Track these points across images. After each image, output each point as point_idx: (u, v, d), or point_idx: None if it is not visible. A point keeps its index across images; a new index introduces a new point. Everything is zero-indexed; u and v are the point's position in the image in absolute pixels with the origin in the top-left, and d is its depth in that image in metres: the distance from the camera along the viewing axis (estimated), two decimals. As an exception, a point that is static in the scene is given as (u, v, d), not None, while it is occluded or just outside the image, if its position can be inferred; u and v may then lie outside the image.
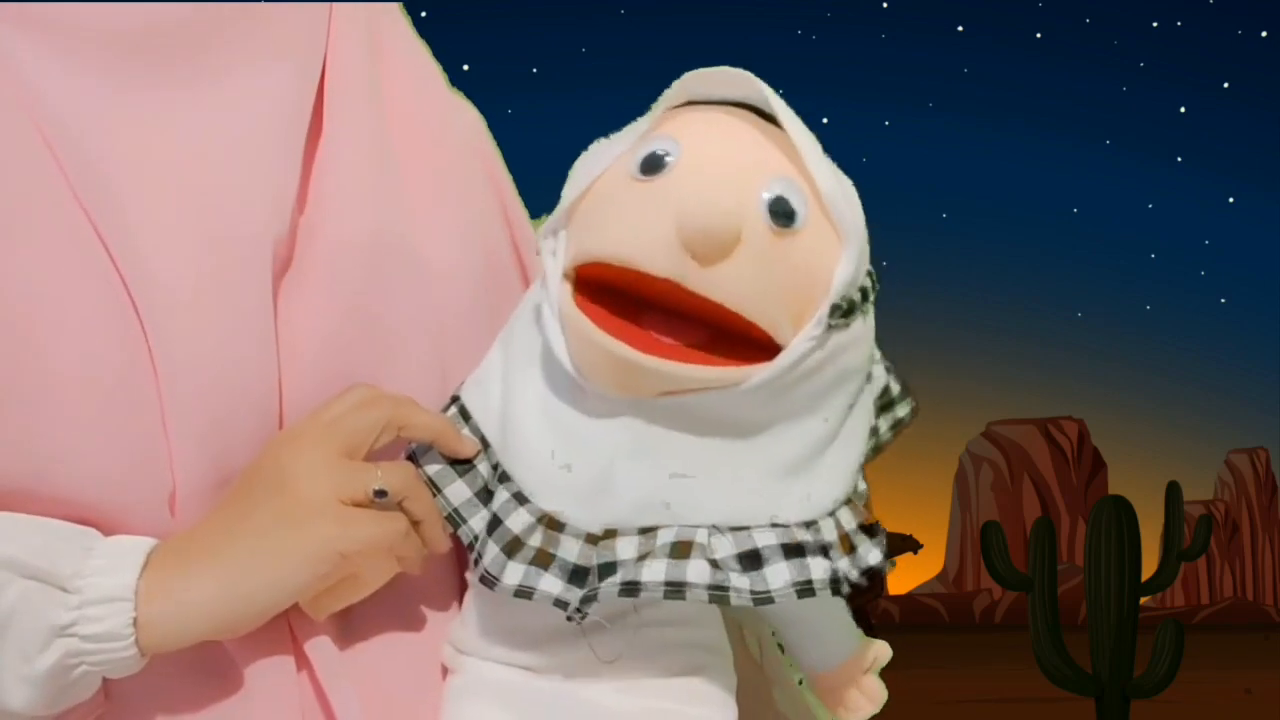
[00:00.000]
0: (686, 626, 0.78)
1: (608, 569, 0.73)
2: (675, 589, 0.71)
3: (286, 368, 0.78)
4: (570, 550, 0.74)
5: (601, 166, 0.74)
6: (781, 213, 0.71)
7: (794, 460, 0.75)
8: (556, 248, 0.75)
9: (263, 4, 0.83)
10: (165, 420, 0.75)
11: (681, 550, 0.72)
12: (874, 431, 0.81)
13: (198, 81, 0.80)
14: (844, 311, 0.73)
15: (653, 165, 0.72)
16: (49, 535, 0.72)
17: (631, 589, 0.71)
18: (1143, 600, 6.26)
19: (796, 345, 0.71)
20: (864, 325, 0.75)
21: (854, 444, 0.78)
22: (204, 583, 0.73)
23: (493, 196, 0.93)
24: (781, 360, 0.71)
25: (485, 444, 0.78)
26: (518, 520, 0.75)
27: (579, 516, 0.74)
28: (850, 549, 0.75)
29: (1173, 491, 6.39)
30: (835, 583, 0.73)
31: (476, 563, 0.76)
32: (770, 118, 0.74)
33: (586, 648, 0.76)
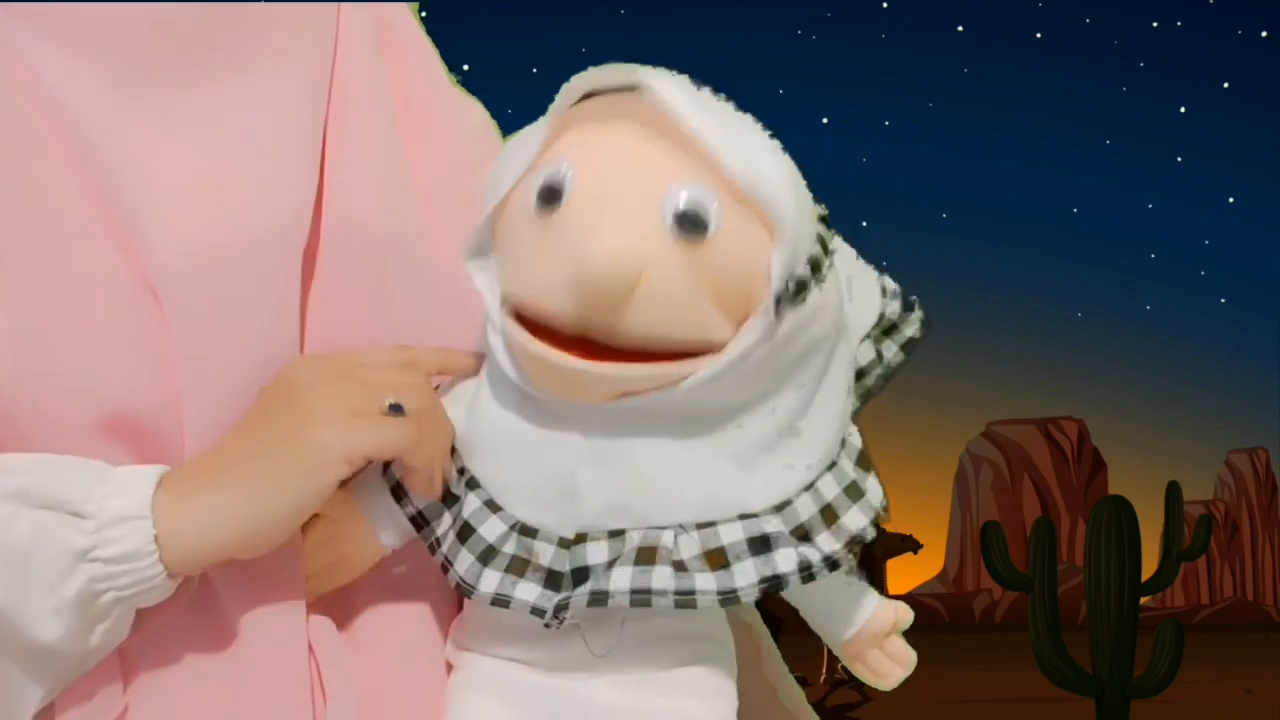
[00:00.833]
0: (685, 617, 0.77)
1: (580, 574, 0.72)
2: (641, 597, 0.71)
3: None
4: (545, 555, 0.73)
5: (509, 181, 0.73)
6: (690, 223, 0.68)
7: (765, 438, 0.73)
8: (488, 266, 0.75)
9: (272, 6, 0.83)
10: (183, 425, 0.75)
11: (646, 556, 0.71)
12: (880, 358, 0.80)
13: (211, 82, 0.80)
14: (794, 292, 0.70)
15: (549, 196, 0.70)
16: (57, 465, 0.72)
17: (600, 598, 0.71)
18: (1143, 600, 6.26)
19: (744, 335, 0.70)
20: (823, 293, 0.72)
21: (833, 402, 0.76)
22: (218, 495, 0.72)
23: (498, 196, 0.93)
24: (728, 353, 0.70)
25: (452, 450, 0.77)
26: (491, 528, 0.75)
27: (549, 523, 0.74)
28: (833, 519, 0.73)
29: (1173, 491, 6.39)
30: (806, 570, 0.72)
31: (446, 569, 0.76)
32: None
33: (581, 643, 0.76)
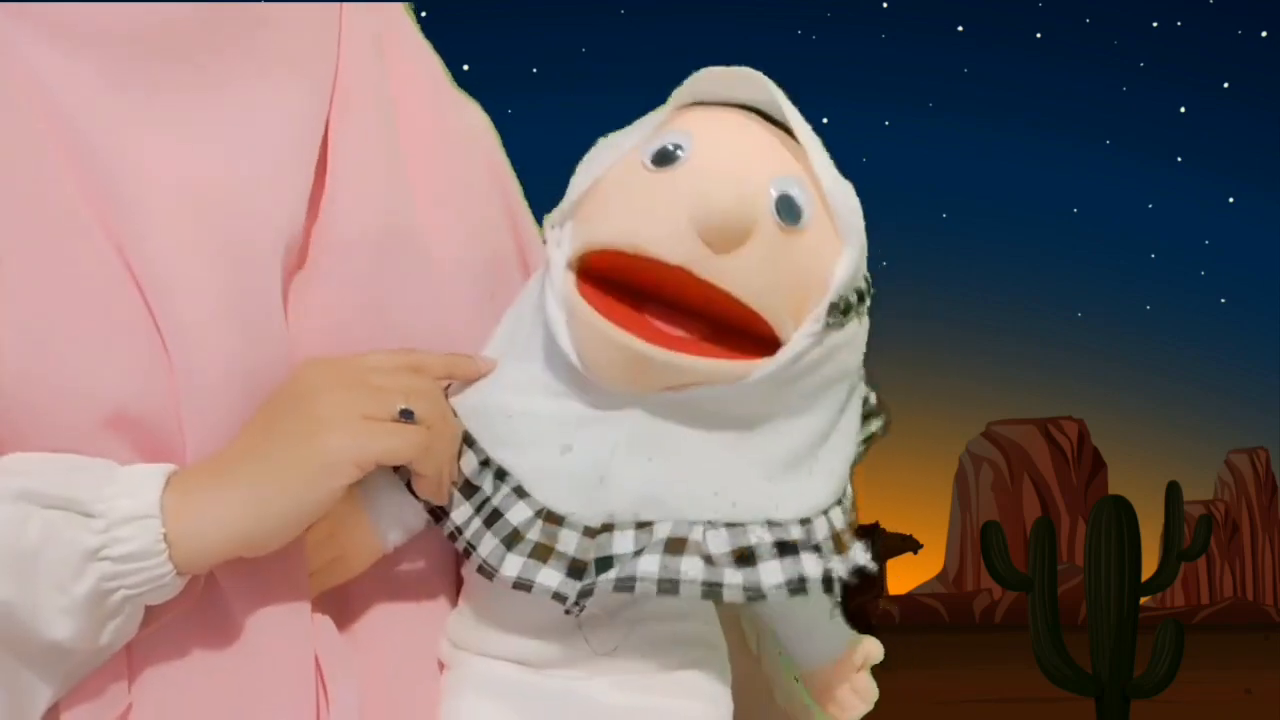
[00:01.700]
0: (681, 621, 0.79)
1: (604, 563, 0.73)
2: (669, 585, 0.72)
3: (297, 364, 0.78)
4: (569, 544, 0.74)
5: (610, 160, 0.75)
6: (789, 210, 0.72)
7: (790, 456, 0.75)
8: (561, 238, 0.76)
9: (274, 8, 0.83)
10: (183, 427, 0.75)
11: (676, 546, 0.73)
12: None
13: (212, 87, 0.80)
14: (841, 310, 0.74)
15: (665, 158, 0.73)
16: (66, 465, 0.73)
17: (627, 584, 0.72)
18: (1143, 600, 6.27)
19: (798, 339, 0.73)
20: (858, 327, 0.76)
21: (845, 444, 0.79)
22: (226, 495, 0.73)
23: (498, 196, 0.93)
24: (785, 354, 0.72)
25: (470, 442, 0.78)
26: (517, 513, 0.76)
27: (577, 509, 0.75)
28: (843, 547, 0.76)
29: (1173, 491, 6.40)
30: (828, 581, 0.73)
31: (469, 553, 0.76)
32: (777, 121, 0.75)
33: (582, 643, 0.77)
